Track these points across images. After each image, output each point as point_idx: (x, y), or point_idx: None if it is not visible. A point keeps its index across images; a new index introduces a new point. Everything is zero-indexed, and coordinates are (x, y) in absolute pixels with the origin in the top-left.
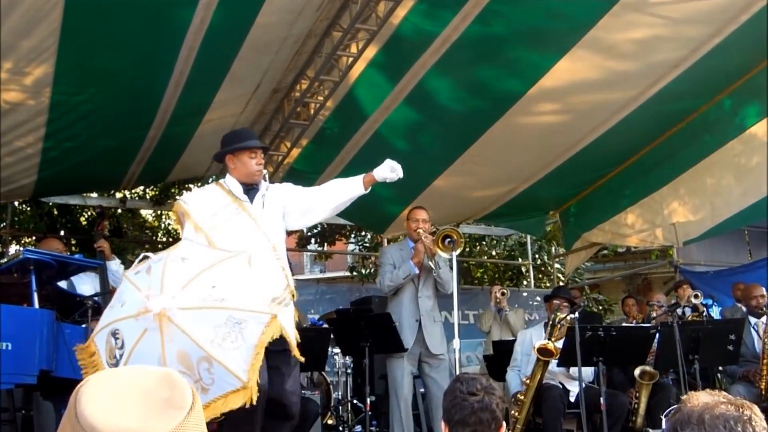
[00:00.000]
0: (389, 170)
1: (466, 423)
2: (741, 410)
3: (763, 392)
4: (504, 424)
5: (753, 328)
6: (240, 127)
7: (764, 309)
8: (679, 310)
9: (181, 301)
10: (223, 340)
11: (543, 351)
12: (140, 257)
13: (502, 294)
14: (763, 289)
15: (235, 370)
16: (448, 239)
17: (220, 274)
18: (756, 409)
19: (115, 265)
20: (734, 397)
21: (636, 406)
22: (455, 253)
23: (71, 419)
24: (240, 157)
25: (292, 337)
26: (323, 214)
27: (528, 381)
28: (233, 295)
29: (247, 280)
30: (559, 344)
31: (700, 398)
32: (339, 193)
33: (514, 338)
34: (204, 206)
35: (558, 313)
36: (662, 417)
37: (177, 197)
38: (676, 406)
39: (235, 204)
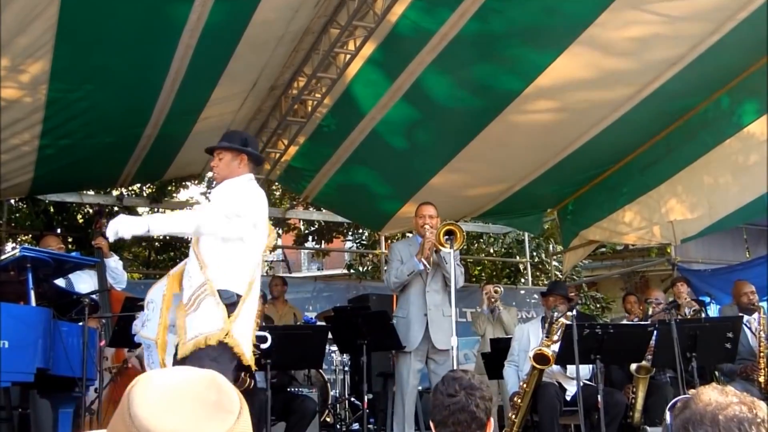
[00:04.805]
0: None
1: (445, 423)
2: (754, 412)
3: (763, 386)
4: (491, 420)
5: (745, 325)
6: (234, 128)
7: (756, 305)
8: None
9: None
10: None
11: (539, 358)
12: None
13: (496, 292)
14: (752, 285)
15: None
16: (448, 236)
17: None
18: (765, 407)
19: (113, 262)
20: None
21: (633, 401)
22: (455, 249)
23: (125, 420)
24: None
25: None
26: None
27: (525, 386)
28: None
29: None
30: (556, 347)
31: (709, 395)
32: None
33: (508, 336)
34: None
35: (556, 313)
36: (666, 410)
37: (174, 195)
38: (681, 397)
39: None
